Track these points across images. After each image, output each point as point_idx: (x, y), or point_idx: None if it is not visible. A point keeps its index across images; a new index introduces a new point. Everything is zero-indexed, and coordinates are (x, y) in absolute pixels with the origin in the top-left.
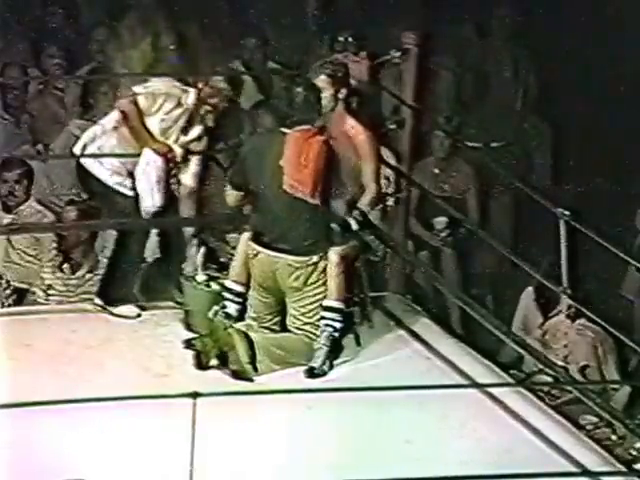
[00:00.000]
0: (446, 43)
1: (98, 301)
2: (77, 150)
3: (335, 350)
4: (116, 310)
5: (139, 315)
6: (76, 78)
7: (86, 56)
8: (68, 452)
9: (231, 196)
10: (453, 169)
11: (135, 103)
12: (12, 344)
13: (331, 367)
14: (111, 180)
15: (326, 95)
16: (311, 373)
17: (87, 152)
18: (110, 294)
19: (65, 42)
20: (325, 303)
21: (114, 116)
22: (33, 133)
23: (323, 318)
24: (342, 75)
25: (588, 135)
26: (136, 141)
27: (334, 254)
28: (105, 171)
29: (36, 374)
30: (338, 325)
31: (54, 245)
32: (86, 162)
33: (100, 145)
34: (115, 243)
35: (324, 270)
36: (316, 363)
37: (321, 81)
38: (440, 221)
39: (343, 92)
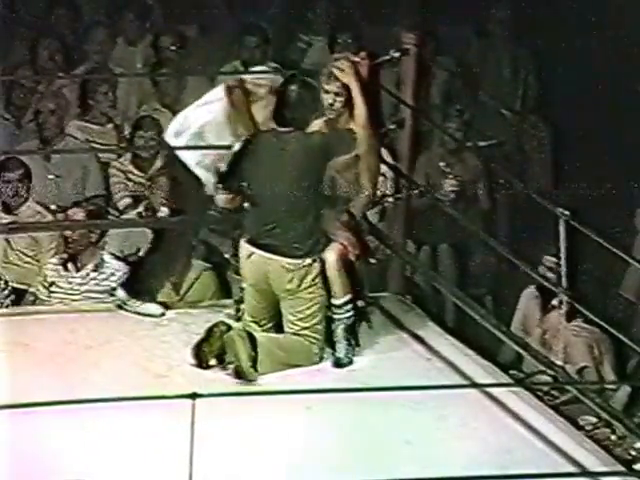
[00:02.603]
0: (445, 43)
1: (122, 293)
2: (170, 134)
3: (353, 336)
4: (141, 308)
5: (163, 314)
6: (75, 77)
7: (84, 56)
8: (67, 453)
9: (221, 198)
10: (461, 162)
11: (242, 83)
12: (11, 344)
13: (354, 353)
14: (197, 170)
15: (341, 100)
16: (338, 364)
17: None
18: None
19: (64, 41)
20: (333, 302)
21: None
22: (34, 133)
23: (334, 315)
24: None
25: (588, 135)
26: (240, 123)
27: (331, 253)
28: (193, 159)
29: (35, 374)
30: (350, 314)
31: (54, 245)
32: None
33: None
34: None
35: (319, 273)
36: (340, 354)
37: (335, 87)
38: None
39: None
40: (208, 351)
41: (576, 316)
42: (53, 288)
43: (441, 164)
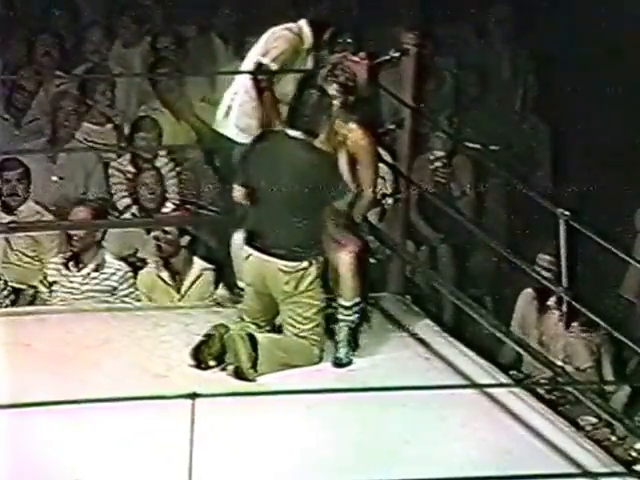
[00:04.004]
0: (445, 43)
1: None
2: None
3: (355, 338)
4: None
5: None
6: (75, 77)
7: (80, 56)
8: (66, 453)
9: (238, 191)
10: (453, 165)
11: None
12: (10, 344)
13: (354, 353)
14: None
15: (335, 102)
16: (338, 364)
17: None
18: None
19: (62, 41)
20: (342, 303)
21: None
22: (35, 133)
23: (340, 315)
24: (352, 83)
25: (588, 135)
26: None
27: (346, 255)
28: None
29: (34, 374)
30: (356, 316)
31: (54, 245)
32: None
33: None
34: None
35: (317, 277)
36: (340, 354)
37: (332, 89)
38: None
39: (352, 99)
40: (207, 353)
41: (574, 319)
42: (54, 287)
43: (431, 167)
